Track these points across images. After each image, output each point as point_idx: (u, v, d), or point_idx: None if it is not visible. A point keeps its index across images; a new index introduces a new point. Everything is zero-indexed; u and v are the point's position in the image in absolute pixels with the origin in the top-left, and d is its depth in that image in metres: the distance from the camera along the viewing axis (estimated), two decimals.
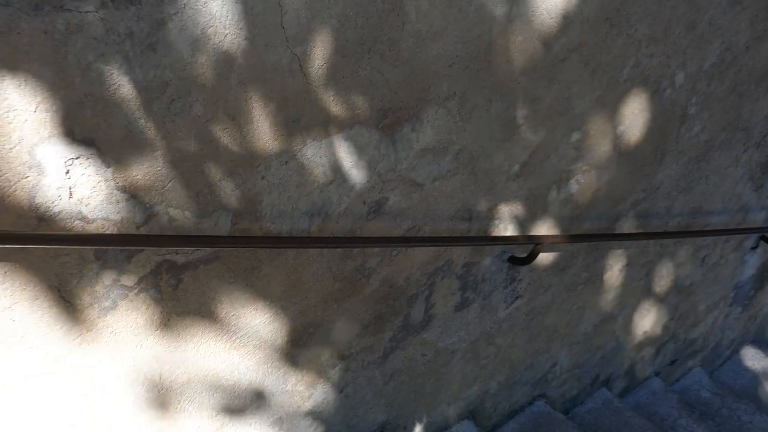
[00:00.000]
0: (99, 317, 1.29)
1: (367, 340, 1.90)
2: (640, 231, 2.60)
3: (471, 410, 2.56)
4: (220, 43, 1.17)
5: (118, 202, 1.19)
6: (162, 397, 1.50)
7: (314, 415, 1.90)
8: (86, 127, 1.09)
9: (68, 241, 1.11)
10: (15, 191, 1.07)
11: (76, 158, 1.11)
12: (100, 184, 1.15)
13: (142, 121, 1.15)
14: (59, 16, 0.99)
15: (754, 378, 4.18)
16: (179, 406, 1.54)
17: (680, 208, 2.74)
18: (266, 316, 1.58)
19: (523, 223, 2.07)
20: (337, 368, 1.87)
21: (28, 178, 1.07)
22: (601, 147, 2.13)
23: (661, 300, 3.13)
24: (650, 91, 2.13)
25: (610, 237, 2.34)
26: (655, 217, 2.63)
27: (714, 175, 2.79)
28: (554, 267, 2.37)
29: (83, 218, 1.16)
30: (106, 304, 1.29)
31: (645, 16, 1.90)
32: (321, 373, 1.83)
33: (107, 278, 1.26)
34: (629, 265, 2.75)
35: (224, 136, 1.27)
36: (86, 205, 1.16)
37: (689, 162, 2.58)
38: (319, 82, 1.35)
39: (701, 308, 3.56)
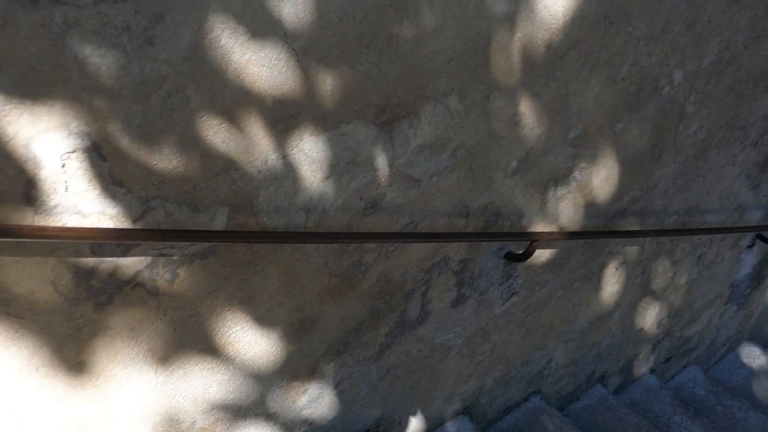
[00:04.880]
0: (95, 312, 1.29)
1: (363, 336, 1.90)
2: (636, 229, 2.60)
3: (467, 406, 2.57)
4: (218, 38, 1.17)
5: (114, 196, 1.19)
6: (157, 392, 1.50)
7: (309, 409, 1.91)
8: (82, 120, 1.09)
9: (64, 234, 1.10)
10: (11, 184, 1.07)
11: (72, 152, 1.10)
12: (97, 177, 1.15)
13: (139, 115, 1.14)
14: (57, 9, 0.98)
15: (749, 376, 4.20)
16: (175, 401, 1.55)
17: (677, 206, 2.75)
18: (262, 311, 1.59)
19: (520, 219, 2.08)
20: (332, 363, 1.87)
21: (24, 172, 1.07)
22: (599, 145, 2.13)
23: (657, 298, 3.14)
24: (648, 89, 2.13)
25: (606, 234, 2.35)
26: (652, 215, 2.63)
27: (711, 174, 2.80)
28: (551, 264, 2.37)
29: (79, 212, 1.16)
30: (102, 298, 1.29)
31: (644, 14, 1.90)
32: (316, 368, 1.84)
33: (103, 272, 1.26)
34: (625, 263, 2.75)
35: (221, 131, 1.26)
36: (82, 199, 1.16)
37: (687, 160, 2.58)
38: (317, 77, 1.34)
39: (697, 306, 3.58)
